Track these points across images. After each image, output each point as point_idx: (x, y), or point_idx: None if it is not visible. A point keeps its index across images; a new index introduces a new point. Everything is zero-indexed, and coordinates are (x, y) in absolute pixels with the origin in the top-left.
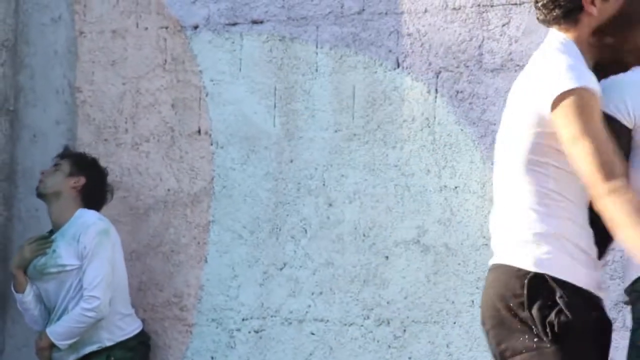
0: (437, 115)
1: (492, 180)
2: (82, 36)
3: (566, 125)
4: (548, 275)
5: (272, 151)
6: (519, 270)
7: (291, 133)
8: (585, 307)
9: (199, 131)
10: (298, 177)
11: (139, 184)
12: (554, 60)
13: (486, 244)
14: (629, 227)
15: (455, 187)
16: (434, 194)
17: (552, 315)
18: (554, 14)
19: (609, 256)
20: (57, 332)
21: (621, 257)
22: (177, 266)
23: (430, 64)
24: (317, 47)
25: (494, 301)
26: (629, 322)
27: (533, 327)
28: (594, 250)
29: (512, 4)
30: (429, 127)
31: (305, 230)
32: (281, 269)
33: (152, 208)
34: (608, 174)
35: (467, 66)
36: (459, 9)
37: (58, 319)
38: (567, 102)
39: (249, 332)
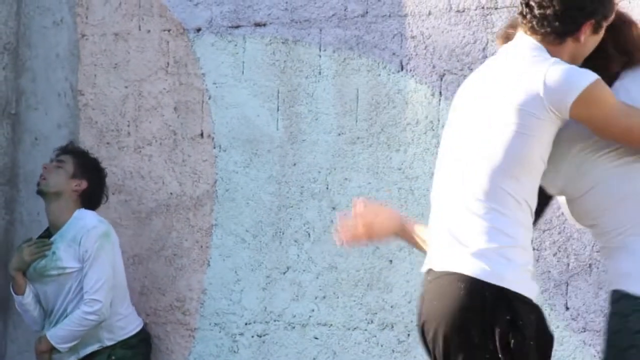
0: (441, 118)
1: None
2: (84, 39)
3: (603, 112)
4: (509, 290)
5: (275, 154)
6: (481, 282)
7: (294, 136)
8: (540, 323)
9: (202, 134)
10: (301, 180)
11: (141, 187)
12: (549, 63)
13: None
14: None
15: None
16: None
17: (510, 335)
18: (552, 26)
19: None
20: (57, 335)
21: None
22: (180, 270)
23: (434, 66)
24: (320, 49)
25: (454, 310)
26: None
27: (490, 343)
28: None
29: (516, 7)
30: (433, 130)
31: (309, 234)
32: (284, 273)
33: (154, 211)
34: None
35: (471, 69)
36: (463, 11)
37: (57, 321)
38: (596, 93)
39: (252, 337)
